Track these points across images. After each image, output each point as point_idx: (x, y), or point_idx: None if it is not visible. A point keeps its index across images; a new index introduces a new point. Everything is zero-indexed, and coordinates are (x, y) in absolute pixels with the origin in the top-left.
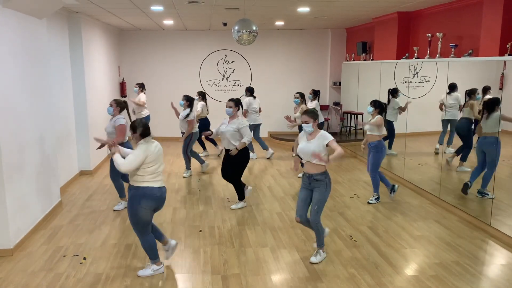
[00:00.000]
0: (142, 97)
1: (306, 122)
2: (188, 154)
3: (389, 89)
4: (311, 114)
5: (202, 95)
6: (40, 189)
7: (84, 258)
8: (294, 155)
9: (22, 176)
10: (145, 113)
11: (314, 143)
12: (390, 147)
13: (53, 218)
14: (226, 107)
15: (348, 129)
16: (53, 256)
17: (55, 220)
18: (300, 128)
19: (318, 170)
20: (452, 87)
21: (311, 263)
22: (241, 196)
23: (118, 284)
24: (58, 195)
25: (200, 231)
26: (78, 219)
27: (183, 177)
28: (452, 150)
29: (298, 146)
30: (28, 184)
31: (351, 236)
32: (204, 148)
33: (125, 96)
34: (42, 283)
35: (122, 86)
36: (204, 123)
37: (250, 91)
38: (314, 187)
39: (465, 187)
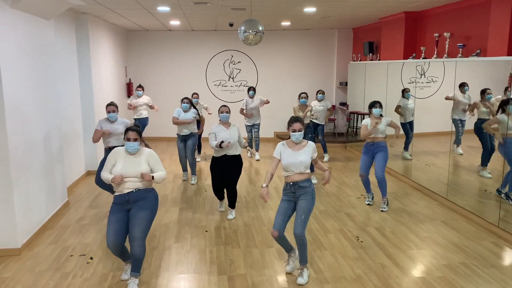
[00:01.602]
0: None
1: (299, 130)
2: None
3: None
4: (303, 121)
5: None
6: (47, 189)
7: (91, 258)
8: (265, 185)
9: (29, 176)
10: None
11: (303, 155)
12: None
13: (60, 218)
14: (224, 112)
15: (354, 129)
16: (60, 256)
17: (62, 220)
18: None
19: (304, 176)
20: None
21: (300, 285)
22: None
23: (124, 284)
24: (65, 195)
25: (206, 231)
26: (84, 219)
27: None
28: (461, 151)
29: (285, 159)
30: (35, 184)
31: (357, 237)
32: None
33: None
34: (49, 282)
35: (129, 86)
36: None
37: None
38: (299, 196)
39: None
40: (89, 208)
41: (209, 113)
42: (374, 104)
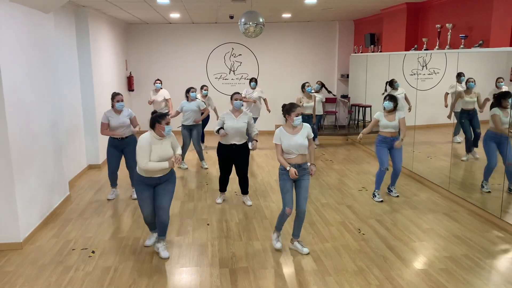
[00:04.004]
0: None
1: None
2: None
3: (387, 81)
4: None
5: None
6: (49, 183)
7: (93, 252)
8: (289, 167)
9: (31, 170)
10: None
11: (301, 136)
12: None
13: (62, 211)
14: (237, 99)
15: (356, 121)
16: (62, 250)
17: (64, 214)
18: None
19: (305, 159)
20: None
21: (306, 253)
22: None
23: (126, 277)
24: (66, 188)
25: (208, 224)
26: (86, 212)
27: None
28: (458, 139)
29: (285, 142)
30: (37, 178)
31: (359, 229)
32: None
33: (133, 90)
34: (52, 276)
35: (130, 80)
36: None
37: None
38: (301, 176)
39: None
40: (91, 201)
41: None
42: (384, 98)
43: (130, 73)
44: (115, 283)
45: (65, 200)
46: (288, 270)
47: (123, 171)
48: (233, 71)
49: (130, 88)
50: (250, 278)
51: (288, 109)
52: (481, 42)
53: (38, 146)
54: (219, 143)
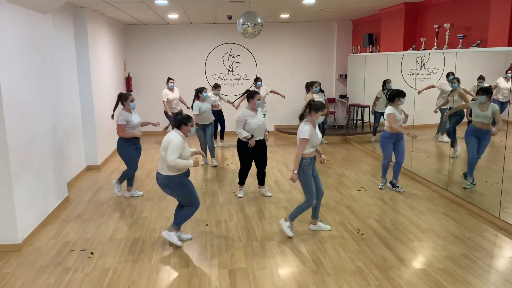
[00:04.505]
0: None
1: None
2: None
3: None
4: None
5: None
6: (47, 184)
7: (92, 253)
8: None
9: (29, 172)
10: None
11: (318, 131)
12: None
13: (60, 213)
14: (259, 100)
15: (354, 122)
16: (61, 251)
17: (62, 215)
18: None
19: None
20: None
21: (329, 230)
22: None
23: (125, 279)
24: (65, 190)
25: (207, 225)
26: (85, 213)
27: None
28: (446, 139)
29: (315, 138)
30: (35, 179)
31: (358, 229)
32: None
33: (131, 91)
34: (50, 277)
35: (128, 81)
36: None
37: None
38: (313, 166)
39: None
40: (90, 203)
41: (235, 106)
42: (399, 94)
43: (129, 74)
44: (114, 284)
45: (63, 201)
46: (287, 270)
47: (118, 172)
48: (232, 71)
49: (128, 89)
50: (249, 279)
51: (317, 108)
52: (479, 42)
53: (36, 147)
54: (239, 140)
